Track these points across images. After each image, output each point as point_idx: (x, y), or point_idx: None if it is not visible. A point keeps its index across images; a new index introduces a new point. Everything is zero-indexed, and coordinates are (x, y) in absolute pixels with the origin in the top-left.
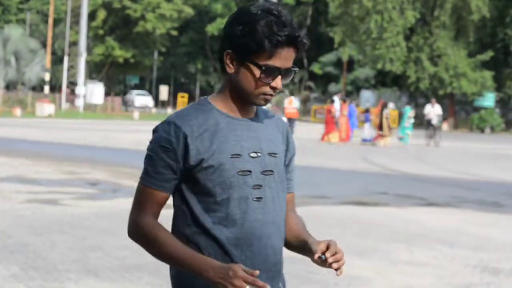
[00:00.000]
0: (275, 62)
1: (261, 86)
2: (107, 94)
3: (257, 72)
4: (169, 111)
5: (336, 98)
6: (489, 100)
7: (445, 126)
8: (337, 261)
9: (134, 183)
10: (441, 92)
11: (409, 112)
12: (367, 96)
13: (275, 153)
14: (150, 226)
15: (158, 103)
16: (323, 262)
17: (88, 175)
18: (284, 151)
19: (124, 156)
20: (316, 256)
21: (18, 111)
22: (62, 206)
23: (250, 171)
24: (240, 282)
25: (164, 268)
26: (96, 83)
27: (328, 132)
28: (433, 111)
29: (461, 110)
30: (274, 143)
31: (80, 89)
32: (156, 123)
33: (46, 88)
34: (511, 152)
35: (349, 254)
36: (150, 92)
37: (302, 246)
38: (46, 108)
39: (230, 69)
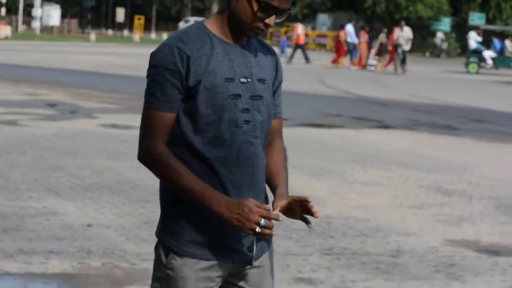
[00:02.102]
0: (273, 1)
1: (256, 21)
2: (63, 16)
3: (255, 7)
4: (126, 33)
5: (349, 26)
6: (445, 24)
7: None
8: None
9: (92, 104)
10: (397, 16)
11: (382, 37)
12: (323, 19)
13: (264, 79)
14: (165, 154)
15: (114, 25)
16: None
17: (47, 96)
18: (273, 78)
19: (81, 78)
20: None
21: None
22: (22, 127)
23: (240, 95)
24: (256, 217)
25: (126, 187)
26: (53, 5)
27: (339, 56)
28: (402, 35)
29: (416, 35)
30: (263, 70)
31: (36, 11)
32: (112, 45)
33: (3, 10)
34: (466, 77)
35: (305, 174)
36: (106, 15)
37: (270, 187)
38: (2, 30)
39: None
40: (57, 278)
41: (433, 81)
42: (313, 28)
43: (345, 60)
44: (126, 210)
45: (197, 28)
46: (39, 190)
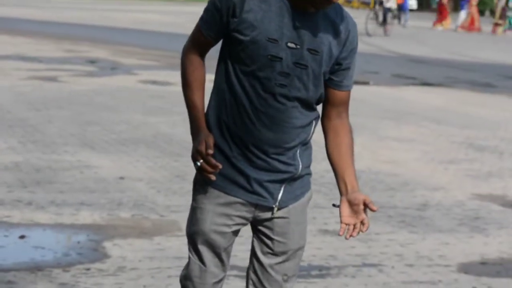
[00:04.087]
0: None
1: None
2: None
3: None
4: None
5: None
6: None
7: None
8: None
9: (132, 61)
10: None
11: (502, 2)
12: None
13: (316, 51)
14: (190, 60)
15: None
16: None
17: (87, 53)
18: (336, 53)
19: (123, 35)
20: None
21: None
22: (61, 83)
23: (281, 58)
24: (197, 156)
25: (161, 141)
26: None
27: (442, 19)
28: None
29: None
30: (319, 42)
31: None
32: (156, 3)
33: None
34: (509, 35)
35: None
36: None
37: (336, 175)
38: None
39: None
40: (86, 228)
41: (474, 38)
42: None
43: (449, 23)
44: (160, 163)
45: None
46: (75, 144)
